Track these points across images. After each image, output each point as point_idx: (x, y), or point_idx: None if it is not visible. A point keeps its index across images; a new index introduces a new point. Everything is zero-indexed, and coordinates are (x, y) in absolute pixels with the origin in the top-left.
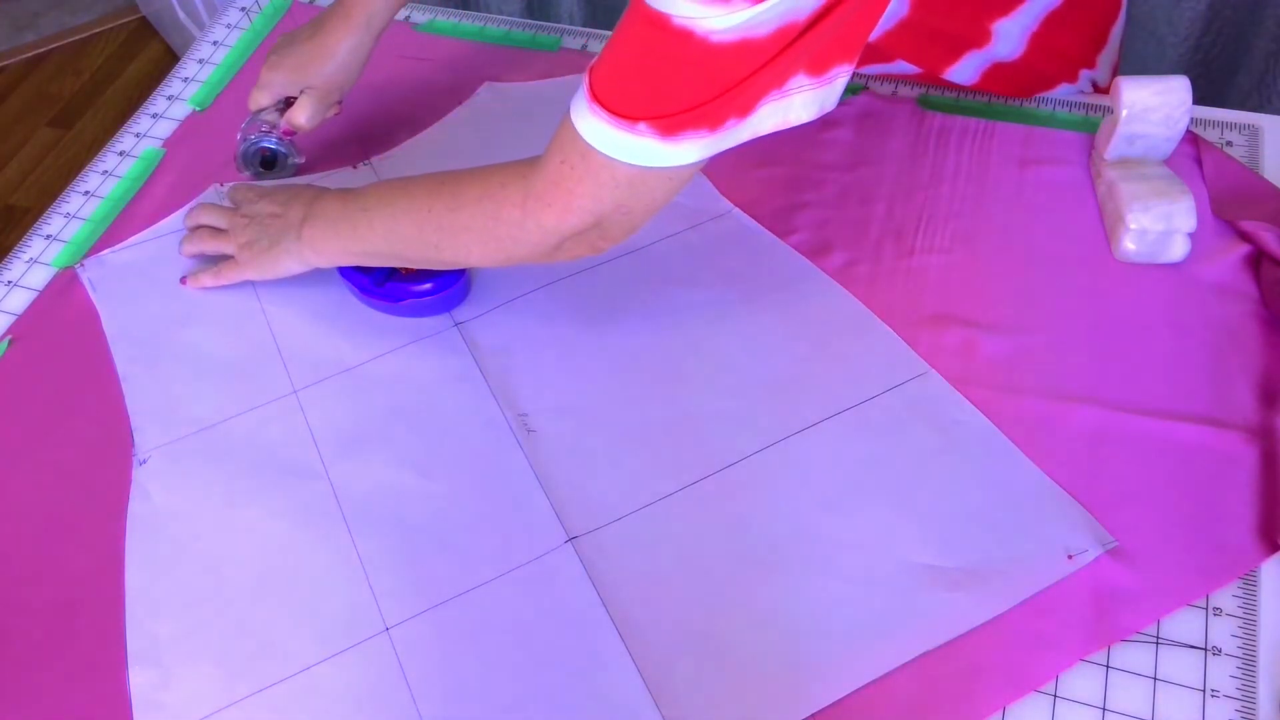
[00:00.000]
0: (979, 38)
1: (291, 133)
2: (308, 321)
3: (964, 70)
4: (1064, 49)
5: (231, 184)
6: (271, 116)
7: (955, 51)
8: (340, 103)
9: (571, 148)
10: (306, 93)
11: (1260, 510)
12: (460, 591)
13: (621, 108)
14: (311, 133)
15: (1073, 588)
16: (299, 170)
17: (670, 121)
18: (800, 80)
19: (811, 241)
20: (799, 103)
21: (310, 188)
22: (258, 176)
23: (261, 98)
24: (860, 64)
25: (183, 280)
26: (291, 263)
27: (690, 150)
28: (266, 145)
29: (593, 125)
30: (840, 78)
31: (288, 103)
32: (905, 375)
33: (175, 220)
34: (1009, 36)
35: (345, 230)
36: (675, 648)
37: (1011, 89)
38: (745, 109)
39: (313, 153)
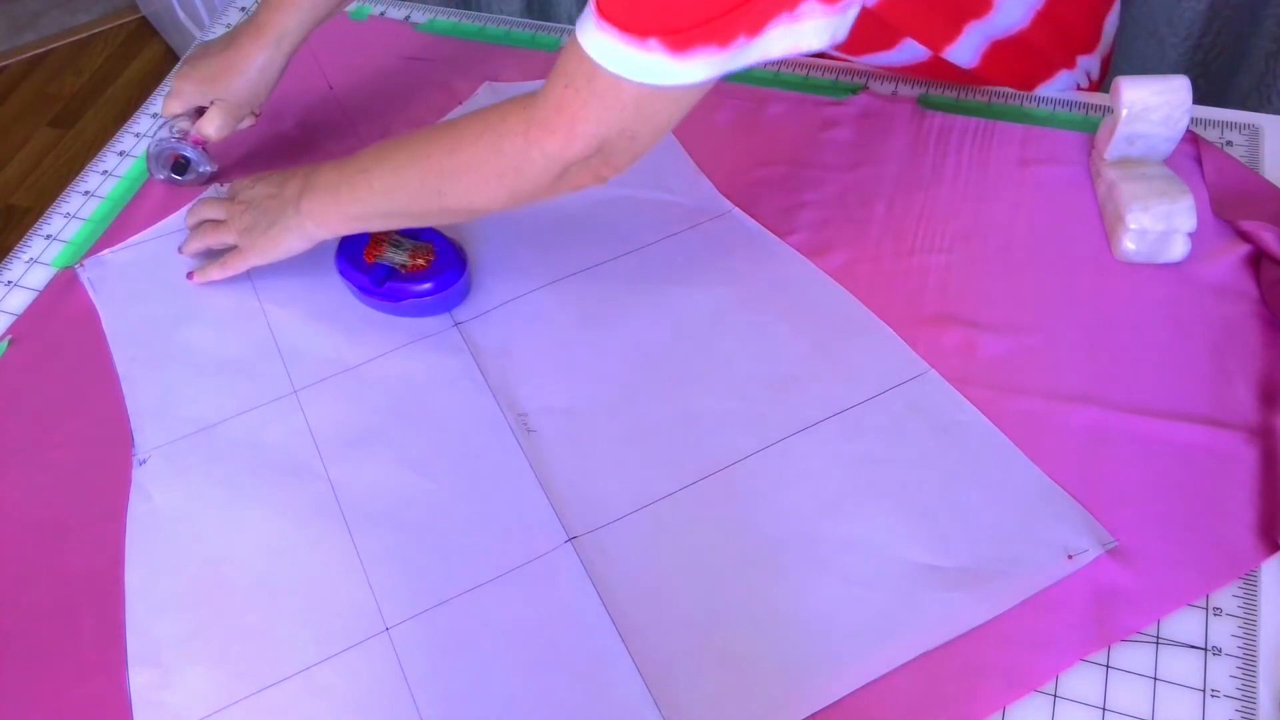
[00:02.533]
0: (979, 6)
1: (202, 141)
2: (308, 321)
3: (965, 48)
4: (1064, 25)
5: (232, 182)
6: (185, 123)
7: (956, 22)
8: (257, 115)
9: (577, 70)
10: (216, 105)
11: (1260, 510)
12: (460, 591)
13: (631, 24)
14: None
15: (1073, 588)
16: (212, 178)
17: (680, 37)
18: (812, 5)
19: (811, 241)
20: (810, 29)
21: (307, 166)
22: (170, 181)
23: (173, 105)
24: (868, 46)
25: (189, 275)
26: (293, 240)
27: (699, 68)
28: (179, 151)
29: (600, 42)
30: (852, 8)
31: (201, 110)
32: (905, 375)
33: (175, 220)
34: (1010, 9)
35: (345, 195)
36: (675, 648)
37: (1011, 73)
38: (755, 27)
39: (312, 153)
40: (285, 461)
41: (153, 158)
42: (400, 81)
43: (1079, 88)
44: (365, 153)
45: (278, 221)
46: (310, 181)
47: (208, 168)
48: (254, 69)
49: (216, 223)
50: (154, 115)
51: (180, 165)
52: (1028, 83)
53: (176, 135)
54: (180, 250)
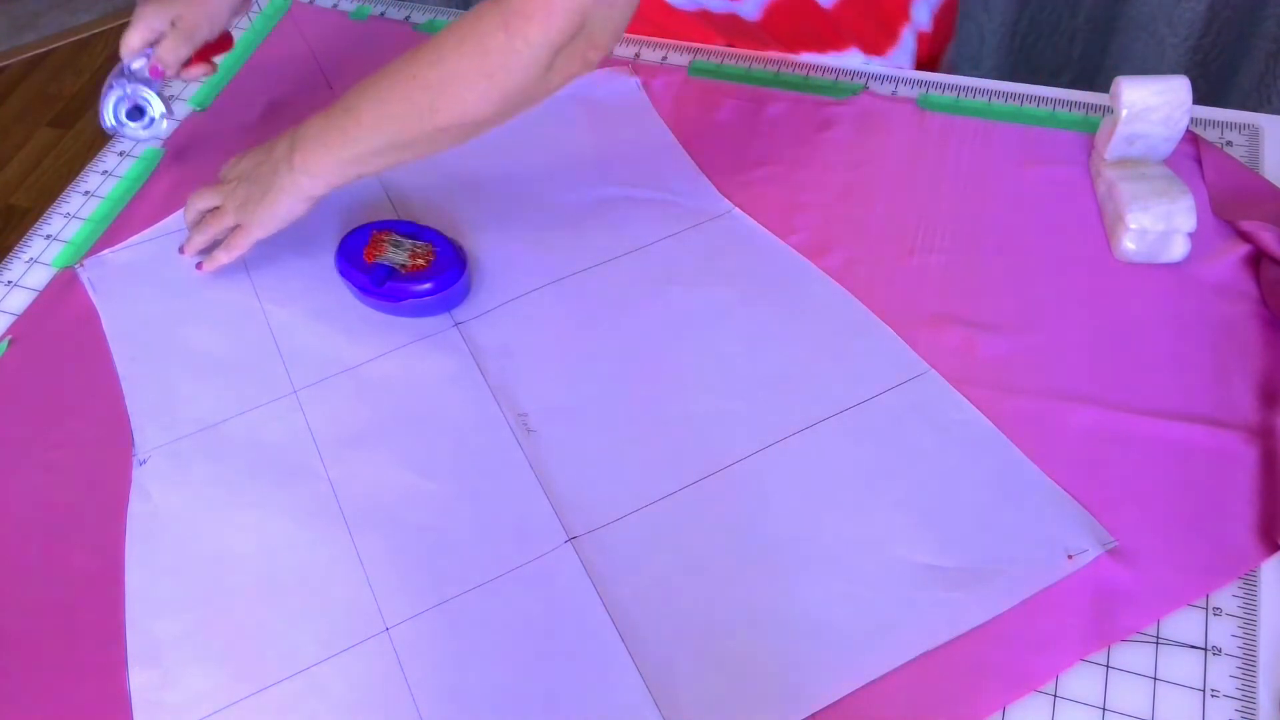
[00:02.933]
0: None
1: (161, 74)
2: (308, 321)
3: None
4: None
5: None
6: (140, 64)
7: None
8: (215, 65)
9: None
10: (173, 29)
11: (1260, 510)
12: (460, 591)
13: None
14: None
15: (1073, 588)
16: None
17: None
18: None
19: (811, 241)
20: None
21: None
22: (117, 132)
23: (133, 37)
24: None
25: (199, 266)
26: (290, 200)
27: None
28: (135, 98)
29: None
30: None
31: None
32: (905, 375)
33: (175, 220)
34: None
35: (334, 139)
36: (675, 648)
37: (867, 19)
38: None
39: None
40: (285, 461)
41: (104, 100)
42: None
43: (921, 33)
44: (348, 94)
45: (272, 185)
46: (298, 136)
47: (164, 115)
48: None
49: (214, 211)
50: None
51: (135, 112)
52: (886, 34)
53: (129, 73)
54: (182, 251)
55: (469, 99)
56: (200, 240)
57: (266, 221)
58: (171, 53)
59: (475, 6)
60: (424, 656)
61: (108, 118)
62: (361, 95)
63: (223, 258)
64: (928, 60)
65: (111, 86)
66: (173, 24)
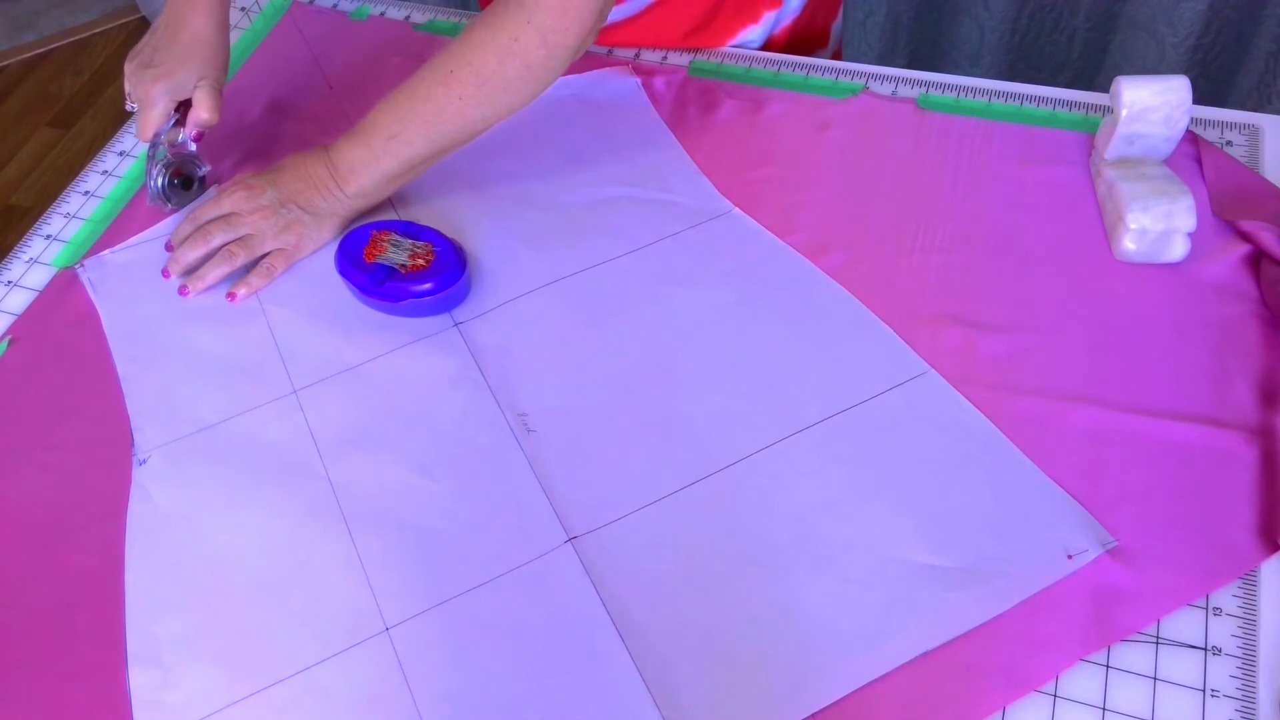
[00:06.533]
0: None
1: (200, 137)
2: (308, 321)
3: None
4: None
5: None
6: (171, 134)
7: None
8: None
9: None
10: (200, 87)
11: (1260, 510)
12: (460, 591)
13: None
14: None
15: (1073, 588)
16: (205, 181)
17: None
18: None
19: (811, 241)
20: None
21: (298, 157)
22: (180, 203)
23: (154, 119)
24: None
25: (230, 296)
26: (337, 224)
27: None
28: (184, 168)
29: None
30: None
31: (177, 121)
32: (905, 375)
33: (175, 221)
34: None
35: (386, 162)
36: (675, 648)
37: None
38: None
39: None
40: (285, 461)
41: (155, 188)
42: (400, 81)
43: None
44: (379, 119)
45: (321, 211)
46: (338, 167)
47: (205, 169)
48: (213, 29)
49: (226, 230)
50: None
51: (187, 180)
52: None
53: (165, 145)
54: (195, 291)
55: (515, 101)
56: (225, 270)
57: (315, 244)
58: (212, 111)
59: (500, 18)
60: (424, 656)
61: (165, 204)
62: (399, 118)
63: (259, 282)
64: (804, 35)
65: (154, 171)
66: (197, 86)
